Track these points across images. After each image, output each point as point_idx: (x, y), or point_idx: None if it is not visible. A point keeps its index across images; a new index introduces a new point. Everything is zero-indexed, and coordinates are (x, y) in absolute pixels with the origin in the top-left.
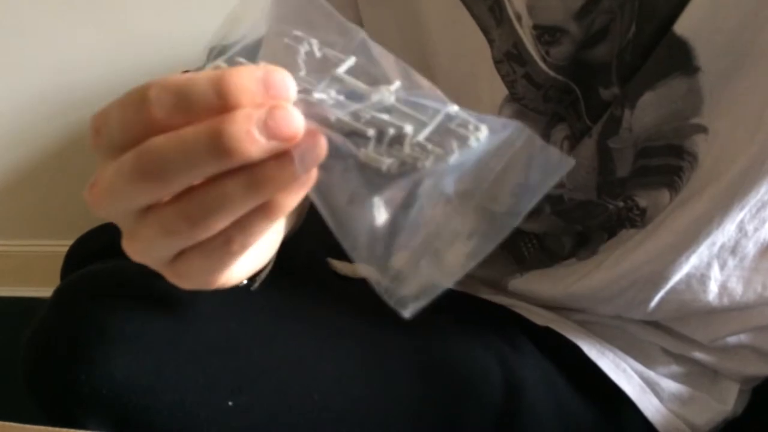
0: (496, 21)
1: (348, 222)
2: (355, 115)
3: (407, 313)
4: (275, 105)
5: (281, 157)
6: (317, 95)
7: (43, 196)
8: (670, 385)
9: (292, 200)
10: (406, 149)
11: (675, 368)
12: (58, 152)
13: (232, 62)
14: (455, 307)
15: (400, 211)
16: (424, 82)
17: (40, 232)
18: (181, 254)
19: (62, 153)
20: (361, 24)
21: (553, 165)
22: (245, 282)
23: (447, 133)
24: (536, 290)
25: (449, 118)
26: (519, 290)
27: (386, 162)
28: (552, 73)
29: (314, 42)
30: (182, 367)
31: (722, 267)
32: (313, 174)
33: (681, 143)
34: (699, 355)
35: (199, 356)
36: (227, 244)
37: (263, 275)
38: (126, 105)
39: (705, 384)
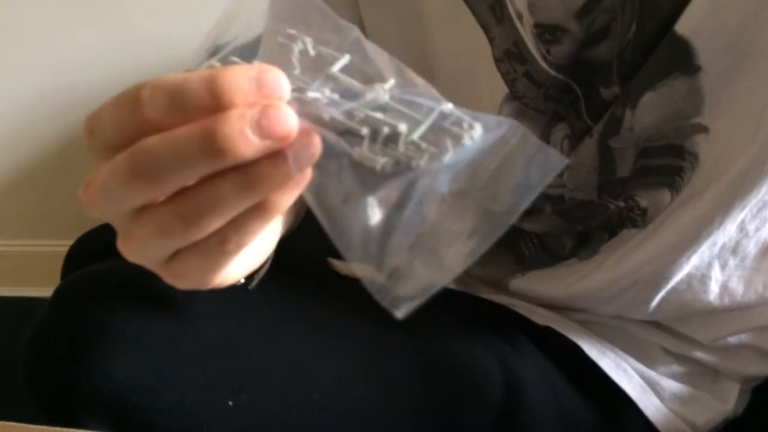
0: (497, 19)
1: (342, 221)
2: (349, 114)
3: (400, 313)
4: (269, 104)
5: (275, 157)
6: (311, 94)
7: (43, 196)
8: (670, 385)
9: (286, 200)
10: (401, 148)
11: (676, 368)
12: (58, 152)
13: (225, 61)
14: (455, 307)
15: (395, 210)
16: (419, 80)
17: (40, 232)
18: (176, 254)
19: (62, 153)
20: (361, 24)
21: (548, 163)
22: (243, 281)
23: (441, 132)
24: (537, 290)
25: (443, 116)
26: (520, 290)
27: (380, 161)
28: (552, 72)
29: (308, 40)
30: (182, 367)
31: (723, 267)
32: (308, 173)
33: (682, 143)
34: (700, 354)
35: (199, 356)
36: (222, 243)
37: (261, 274)
38: (119, 105)
39: (706, 384)
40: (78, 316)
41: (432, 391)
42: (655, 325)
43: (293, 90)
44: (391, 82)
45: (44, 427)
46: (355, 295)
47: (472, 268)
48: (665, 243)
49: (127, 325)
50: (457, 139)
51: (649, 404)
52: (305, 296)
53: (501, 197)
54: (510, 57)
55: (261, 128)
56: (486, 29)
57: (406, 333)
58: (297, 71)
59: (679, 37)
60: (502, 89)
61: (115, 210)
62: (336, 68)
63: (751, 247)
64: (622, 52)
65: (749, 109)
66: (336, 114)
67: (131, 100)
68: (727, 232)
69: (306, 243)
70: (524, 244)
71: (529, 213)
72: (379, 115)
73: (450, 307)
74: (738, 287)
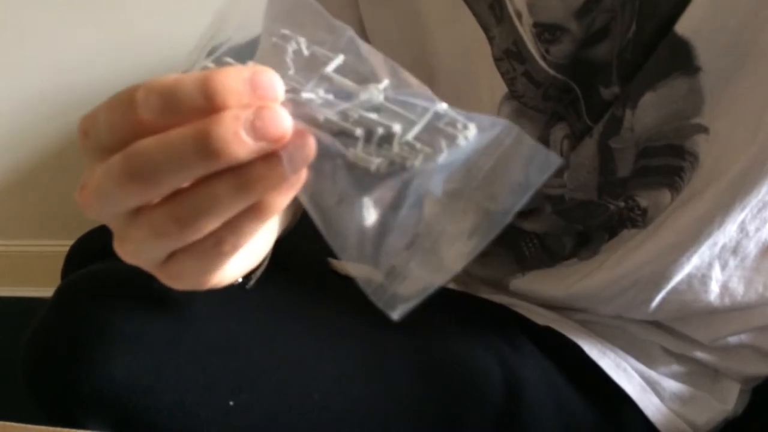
0: (497, 18)
1: (337, 222)
2: (344, 115)
3: (396, 314)
4: (263, 105)
5: (270, 158)
6: (305, 95)
7: (43, 196)
8: (671, 385)
9: (281, 201)
10: (395, 149)
11: (676, 368)
12: (58, 152)
13: (219, 62)
14: (455, 307)
15: (390, 211)
16: (413, 80)
17: (40, 232)
18: (172, 256)
19: (62, 153)
20: (361, 24)
21: (543, 163)
22: (240, 280)
23: (436, 132)
24: (537, 290)
25: (438, 116)
26: (520, 290)
27: (375, 162)
28: (552, 72)
29: (302, 40)
30: (182, 367)
31: (723, 267)
32: (303, 174)
33: (682, 143)
34: (700, 354)
35: (199, 356)
36: (218, 245)
37: (258, 273)
38: (113, 107)
39: (706, 383)
40: (78, 316)
41: (432, 391)
42: (656, 325)
43: (287, 91)
44: (386, 82)
45: (44, 427)
46: (355, 295)
47: (473, 268)
48: (665, 243)
49: (127, 325)
50: (452, 139)
51: (649, 404)
52: (305, 296)
53: (498, 197)
54: (509, 56)
55: (255, 130)
56: (486, 29)
57: (406, 333)
58: (291, 72)
59: (679, 37)
60: (501, 89)
61: (111, 211)
62: (330, 68)
63: (752, 248)
64: (622, 52)
65: (749, 109)
66: (330, 115)
67: (125, 101)
68: (727, 233)
69: (305, 243)
70: (524, 244)
71: (530, 213)
72: (373, 115)
73: (450, 307)
74: (738, 287)
